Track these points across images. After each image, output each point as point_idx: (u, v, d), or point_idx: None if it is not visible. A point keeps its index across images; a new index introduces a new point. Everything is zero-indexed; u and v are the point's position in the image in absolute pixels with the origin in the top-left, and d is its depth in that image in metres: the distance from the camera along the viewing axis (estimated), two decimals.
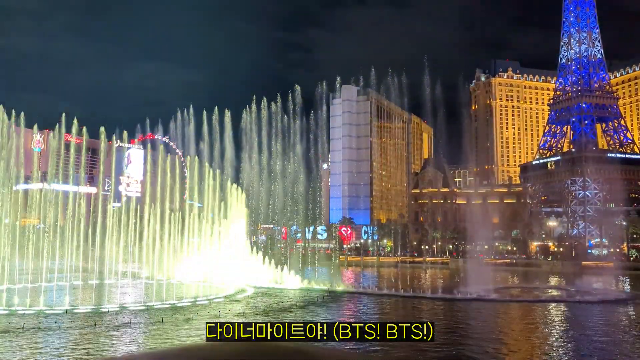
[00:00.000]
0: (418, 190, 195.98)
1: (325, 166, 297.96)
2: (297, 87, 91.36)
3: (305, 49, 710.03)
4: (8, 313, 46.61)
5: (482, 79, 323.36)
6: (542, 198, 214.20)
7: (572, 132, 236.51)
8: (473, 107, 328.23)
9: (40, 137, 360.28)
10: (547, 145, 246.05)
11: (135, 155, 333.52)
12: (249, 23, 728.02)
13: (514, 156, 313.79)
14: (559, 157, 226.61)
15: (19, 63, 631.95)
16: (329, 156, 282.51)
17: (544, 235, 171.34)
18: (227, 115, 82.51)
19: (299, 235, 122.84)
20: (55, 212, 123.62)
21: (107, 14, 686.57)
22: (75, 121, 76.04)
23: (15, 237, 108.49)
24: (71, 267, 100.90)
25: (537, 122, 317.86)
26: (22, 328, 38.76)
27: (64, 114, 78.51)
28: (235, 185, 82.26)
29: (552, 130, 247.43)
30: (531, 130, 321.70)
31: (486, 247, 71.56)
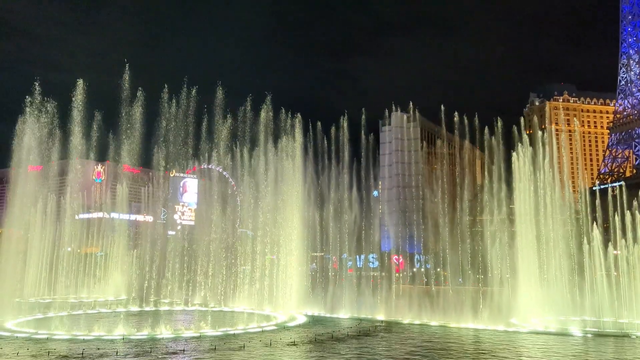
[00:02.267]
0: (472, 218, 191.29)
1: (375, 193, 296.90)
2: (346, 116, 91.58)
3: (352, 76, 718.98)
4: (69, 339, 48.06)
5: (536, 102, 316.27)
6: (605, 225, 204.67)
7: (634, 157, 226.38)
8: (527, 132, 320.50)
9: (101, 168, 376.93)
10: (607, 170, 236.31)
11: (190, 184, 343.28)
12: (297, 53, 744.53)
13: (573, 182, 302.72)
14: (621, 183, 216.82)
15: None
16: (379, 183, 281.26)
17: (607, 265, 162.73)
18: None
19: (350, 263, 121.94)
20: (114, 241, 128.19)
21: (160, 48, 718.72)
22: (132, 152, 78.84)
23: (77, 264, 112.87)
24: (128, 294, 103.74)
25: (596, 146, 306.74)
26: (82, 354, 39.79)
27: (122, 146, 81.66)
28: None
29: (613, 154, 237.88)
30: (590, 154, 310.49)
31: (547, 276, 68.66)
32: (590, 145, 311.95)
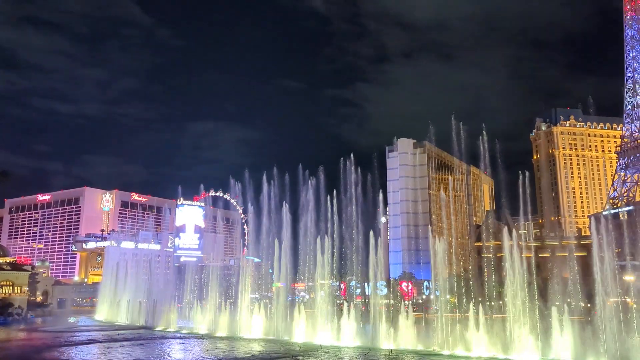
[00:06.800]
0: (481, 244, 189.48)
1: (383, 219, 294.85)
2: (350, 144, 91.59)
3: (355, 104, 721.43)
4: None
5: (543, 128, 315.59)
6: (617, 250, 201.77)
7: None
8: (535, 157, 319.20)
9: (110, 196, 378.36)
10: (617, 195, 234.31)
11: (196, 212, 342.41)
12: (300, 82, 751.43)
13: (582, 207, 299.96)
14: (631, 207, 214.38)
15: (85, 128, 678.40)
16: (387, 209, 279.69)
17: (620, 291, 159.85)
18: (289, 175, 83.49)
19: (358, 291, 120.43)
20: (119, 269, 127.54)
21: (165, 79, 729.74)
22: (138, 181, 79.11)
23: (91, 294, 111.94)
24: (134, 323, 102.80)
25: (605, 170, 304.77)
26: None
27: (130, 175, 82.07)
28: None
29: (622, 178, 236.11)
30: (599, 179, 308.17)
31: (557, 303, 66.63)
32: (599, 170, 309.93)
